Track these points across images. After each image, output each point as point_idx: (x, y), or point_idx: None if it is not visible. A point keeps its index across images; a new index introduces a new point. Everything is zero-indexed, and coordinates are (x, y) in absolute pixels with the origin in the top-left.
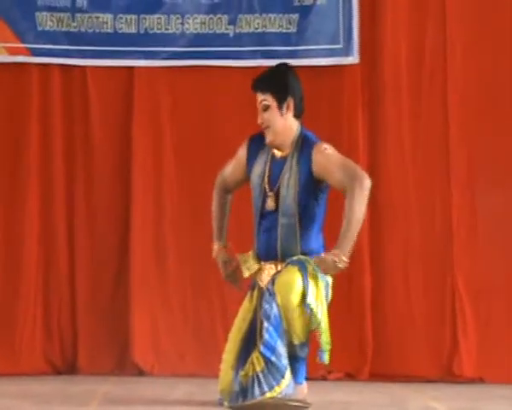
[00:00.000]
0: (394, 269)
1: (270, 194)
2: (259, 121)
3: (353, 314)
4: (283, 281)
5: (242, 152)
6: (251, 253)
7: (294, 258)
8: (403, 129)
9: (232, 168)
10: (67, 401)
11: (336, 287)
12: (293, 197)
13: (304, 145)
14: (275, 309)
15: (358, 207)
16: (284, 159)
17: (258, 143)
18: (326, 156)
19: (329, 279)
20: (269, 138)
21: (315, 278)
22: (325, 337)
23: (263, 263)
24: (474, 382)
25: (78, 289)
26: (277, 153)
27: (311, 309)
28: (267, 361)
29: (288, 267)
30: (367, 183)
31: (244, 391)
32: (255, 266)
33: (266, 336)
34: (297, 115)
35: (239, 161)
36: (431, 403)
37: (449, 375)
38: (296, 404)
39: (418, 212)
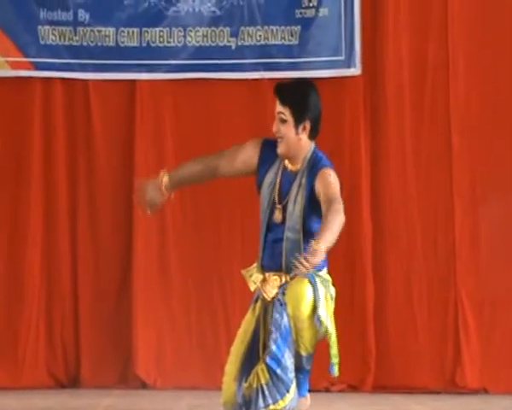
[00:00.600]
0: (397, 281)
1: (278, 206)
2: (274, 130)
3: (356, 326)
4: (294, 292)
5: (254, 151)
6: (255, 265)
7: None
8: (405, 140)
9: (234, 155)
10: None
11: (339, 299)
12: (299, 213)
13: (314, 165)
14: (285, 319)
15: (331, 230)
16: (295, 173)
17: (270, 149)
18: (326, 182)
19: (333, 292)
20: (281, 150)
21: (323, 291)
22: (334, 350)
23: (267, 274)
24: (478, 393)
25: (81, 302)
26: (289, 165)
27: (322, 321)
28: (272, 374)
29: (298, 279)
30: (341, 218)
31: (247, 403)
32: (259, 277)
33: (274, 347)
34: (312, 137)
35: (248, 156)
36: None
37: (452, 386)
38: None
39: (421, 223)
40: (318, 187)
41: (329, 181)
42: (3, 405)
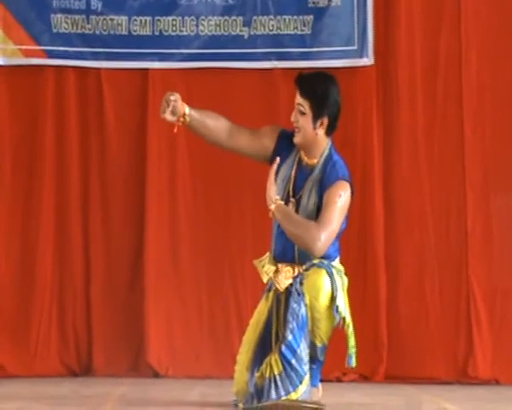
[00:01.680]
0: (409, 271)
1: (292, 200)
2: (292, 119)
3: (368, 317)
4: (313, 282)
5: (270, 141)
6: (267, 255)
7: (316, 261)
8: (418, 131)
9: (250, 137)
10: (83, 403)
11: (351, 289)
12: (313, 207)
13: (331, 169)
14: (303, 309)
15: (296, 228)
16: (311, 168)
17: (287, 141)
18: (332, 201)
19: (346, 282)
20: (297, 140)
21: (340, 282)
22: (352, 341)
23: (279, 265)
24: (490, 383)
25: (93, 291)
26: (305, 158)
27: (340, 312)
28: (287, 364)
29: (315, 269)
30: (305, 236)
31: (259, 393)
32: (272, 268)
33: (290, 337)
34: (328, 134)
35: (263, 145)
36: (446, 405)
37: (464, 377)
38: (311, 406)
39: (433, 214)
40: (325, 198)
41: (335, 201)
42: (16, 393)
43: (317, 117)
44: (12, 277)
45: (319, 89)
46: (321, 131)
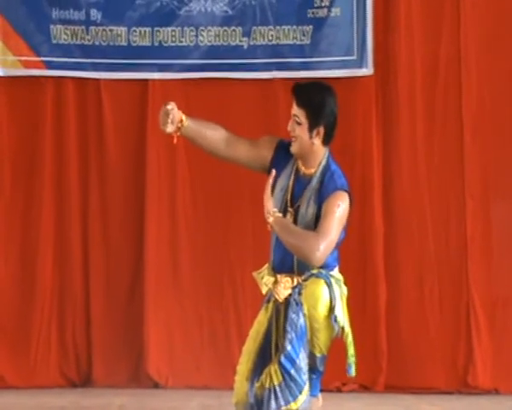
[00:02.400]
0: (409, 280)
1: (290, 209)
2: (289, 129)
3: (368, 326)
4: (311, 291)
5: (268, 152)
6: (266, 266)
7: (314, 271)
8: (417, 140)
9: (248, 147)
10: None
11: (351, 299)
12: (311, 217)
13: (330, 179)
14: (301, 319)
15: (294, 239)
16: (309, 178)
17: (285, 151)
18: (330, 211)
19: (345, 291)
20: (294, 149)
21: (339, 291)
22: (351, 350)
23: (278, 276)
24: (490, 393)
25: (93, 301)
26: (302, 167)
27: (338, 321)
28: (286, 374)
29: (313, 279)
30: (304, 246)
31: (259, 403)
32: (271, 280)
33: (289, 347)
34: (325, 143)
35: (261, 155)
36: None
37: (464, 386)
38: None
39: (433, 223)
40: (324, 208)
41: (333, 211)
42: (16, 404)
43: (313, 127)
44: (11, 286)
45: (315, 99)
46: (317, 141)
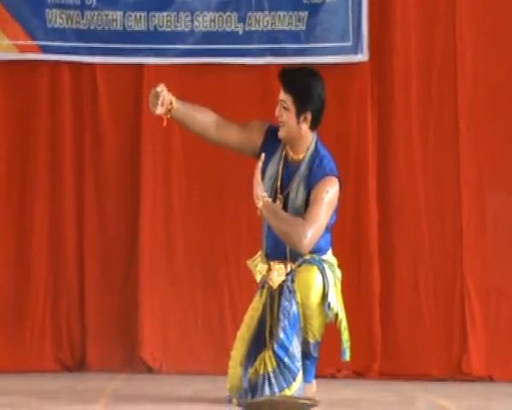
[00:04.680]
0: (403, 268)
1: (279, 196)
2: (276, 114)
3: (362, 313)
4: (304, 279)
5: (258, 136)
6: (259, 254)
7: (307, 257)
8: (412, 127)
9: (238, 131)
10: (76, 398)
11: (345, 285)
12: (301, 203)
13: (319, 164)
14: (294, 307)
15: (282, 225)
16: (297, 164)
17: (274, 137)
18: (319, 196)
19: (339, 274)
20: (281, 134)
21: (333, 278)
22: (345, 335)
23: (272, 263)
24: (484, 380)
25: (88, 286)
26: (290, 153)
27: (332, 308)
28: (280, 362)
29: (306, 266)
30: (290, 232)
31: (253, 389)
32: (265, 267)
33: (282, 335)
34: (313, 128)
35: (251, 139)
36: (440, 401)
37: (458, 373)
38: (305, 402)
39: (428, 211)
40: (313, 194)
41: (322, 197)
42: (11, 388)
43: (300, 112)
44: (6, 272)
45: (302, 84)
46: (305, 126)
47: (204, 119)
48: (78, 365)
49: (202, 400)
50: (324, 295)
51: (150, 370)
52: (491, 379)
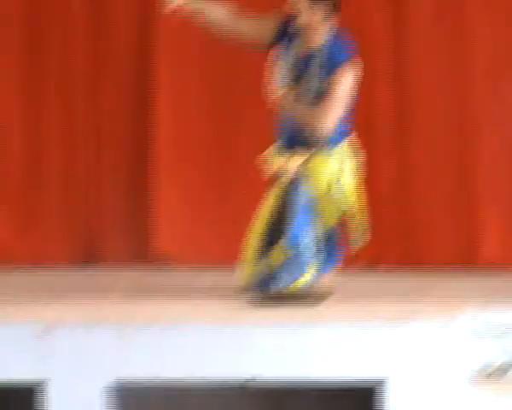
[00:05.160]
0: (420, 156)
1: (295, 87)
2: (290, 2)
3: (376, 202)
4: (316, 169)
5: (272, 24)
6: (271, 149)
7: (321, 147)
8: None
9: (253, 21)
10: (89, 291)
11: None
12: (319, 91)
13: (333, 54)
14: (306, 197)
15: (301, 114)
16: (312, 54)
17: (289, 26)
18: (336, 82)
19: (354, 163)
20: (297, 22)
21: (347, 166)
22: (357, 222)
23: (285, 155)
24: (500, 270)
25: (103, 176)
26: (305, 44)
27: (344, 193)
28: (291, 253)
29: (319, 156)
30: (323, 127)
31: (266, 281)
32: (278, 160)
33: (294, 226)
34: (328, 17)
35: (266, 25)
36: (453, 292)
37: (475, 263)
38: (319, 291)
39: (444, 98)
40: (329, 82)
41: (339, 84)
42: (24, 282)
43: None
44: (18, 164)
45: None
46: (319, 15)
47: (218, 10)
48: (91, 258)
49: (216, 292)
50: (336, 184)
51: (164, 262)
52: (508, 269)
